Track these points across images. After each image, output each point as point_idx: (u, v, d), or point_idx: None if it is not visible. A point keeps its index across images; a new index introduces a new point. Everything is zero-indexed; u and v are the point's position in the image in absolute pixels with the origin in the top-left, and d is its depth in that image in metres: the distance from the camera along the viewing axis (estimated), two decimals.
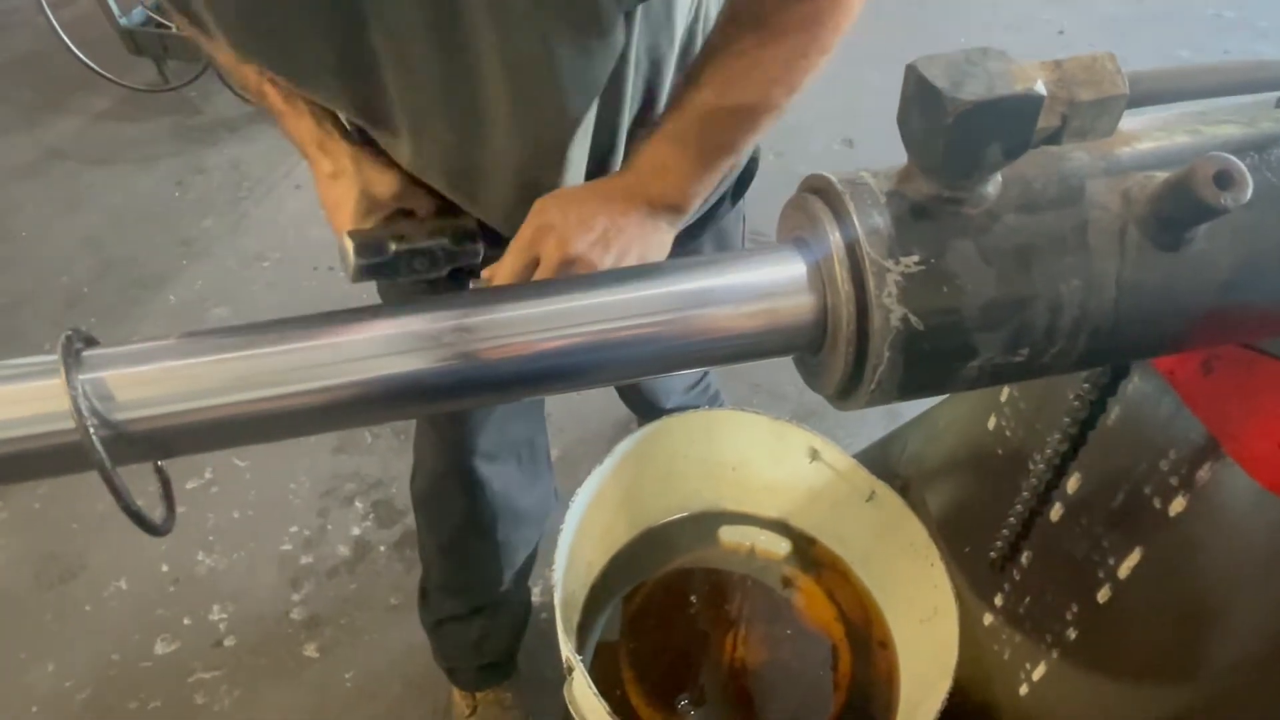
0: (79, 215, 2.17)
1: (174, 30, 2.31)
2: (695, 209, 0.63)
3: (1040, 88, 0.27)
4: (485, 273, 0.55)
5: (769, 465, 0.95)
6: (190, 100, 2.49)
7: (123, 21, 2.33)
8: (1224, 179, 0.27)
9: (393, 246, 0.61)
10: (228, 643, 1.37)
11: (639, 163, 0.61)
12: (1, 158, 2.35)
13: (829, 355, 0.33)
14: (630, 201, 0.60)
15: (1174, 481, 0.50)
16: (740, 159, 0.64)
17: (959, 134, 0.27)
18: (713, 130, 0.59)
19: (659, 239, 0.61)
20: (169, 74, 2.47)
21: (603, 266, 0.56)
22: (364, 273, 0.61)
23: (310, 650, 1.36)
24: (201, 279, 1.97)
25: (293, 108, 0.65)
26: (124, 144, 2.39)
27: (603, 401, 1.67)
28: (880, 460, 0.92)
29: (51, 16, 2.25)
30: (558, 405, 1.68)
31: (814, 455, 0.92)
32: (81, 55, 2.33)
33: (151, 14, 2.40)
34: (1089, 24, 2.75)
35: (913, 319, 0.30)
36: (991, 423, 0.71)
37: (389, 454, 1.63)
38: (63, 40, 2.28)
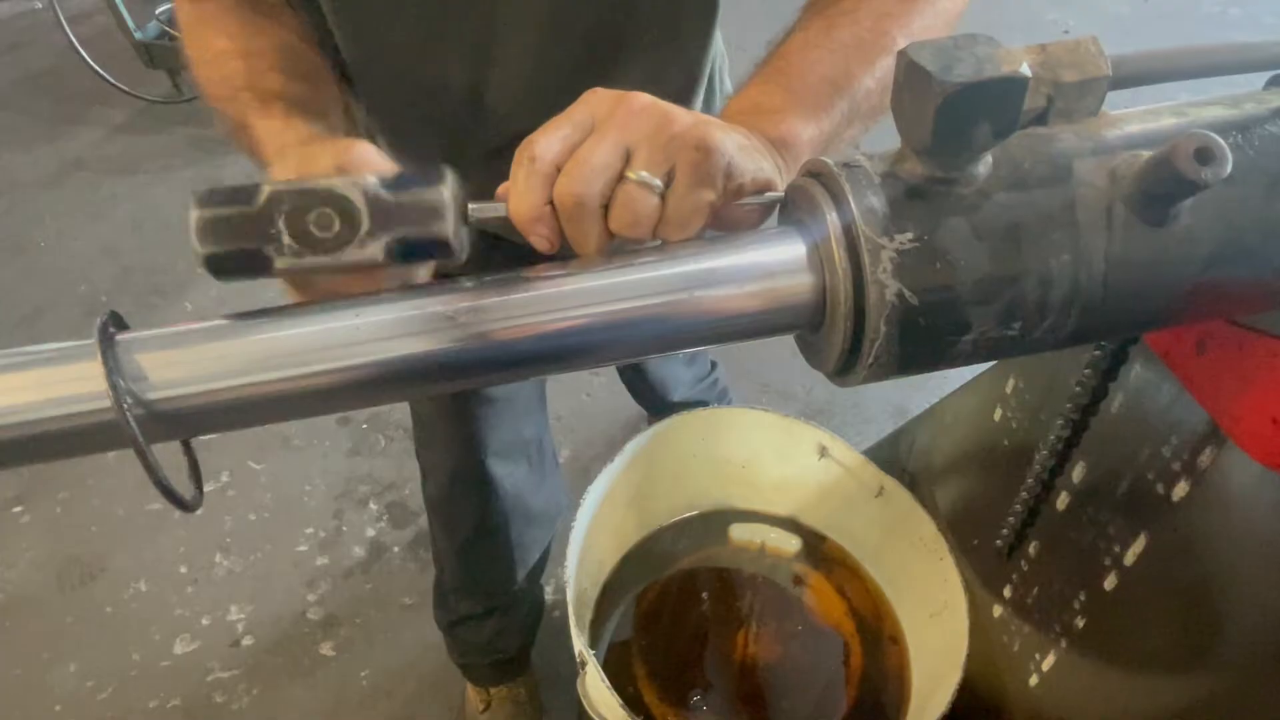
0: (98, 225, 2.21)
1: None
2: (818, 152, 0.47)
3: (1026, 69, 0.28)
4: (499, 191, 0.39)
5: (778, 463, 0.96)
6: (205, 112, 2.51)
7: (138, 35, 2.38)
8: (1204, 155, 0.28)
9: None
10: (245, 642, 1.39)
11: (728, 109, 0.49)
12: (22, 170, 2.40)
13: (829, 332, 0.34)
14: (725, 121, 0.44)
15: (1176, 466, 0.50)
16: (869, 103, 0.49)
17: (948, 115, 0.28)
18: (809, 68, 0.49)
19: (759, 154, 0.42)
20: (184, 86, 2.52)
21: (680, 114, 0.38)
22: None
23: (326, 649, 1.38)
24: (217, 286, 1.98)
25: (265, 110, 0.54)
26: (141, 155, 2.43)
27: (611, 402, 1.68)
28: (888, 456, 0.93)
29: (69, 32, 2.30)
30: (566, 406, 1.69)
31: (823, 452, 0.93)
32: (99, 69, 2.37)
33: (166, 28, 2.44)
34: (1094, 23, 2.76)
35: (907, 294, 0.31)
36: (997, 415, 0.72)
37: (403, 456, 1.65)
38: (80, 55, 2.33)
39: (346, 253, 0.33)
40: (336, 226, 0.33)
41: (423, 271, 0.41)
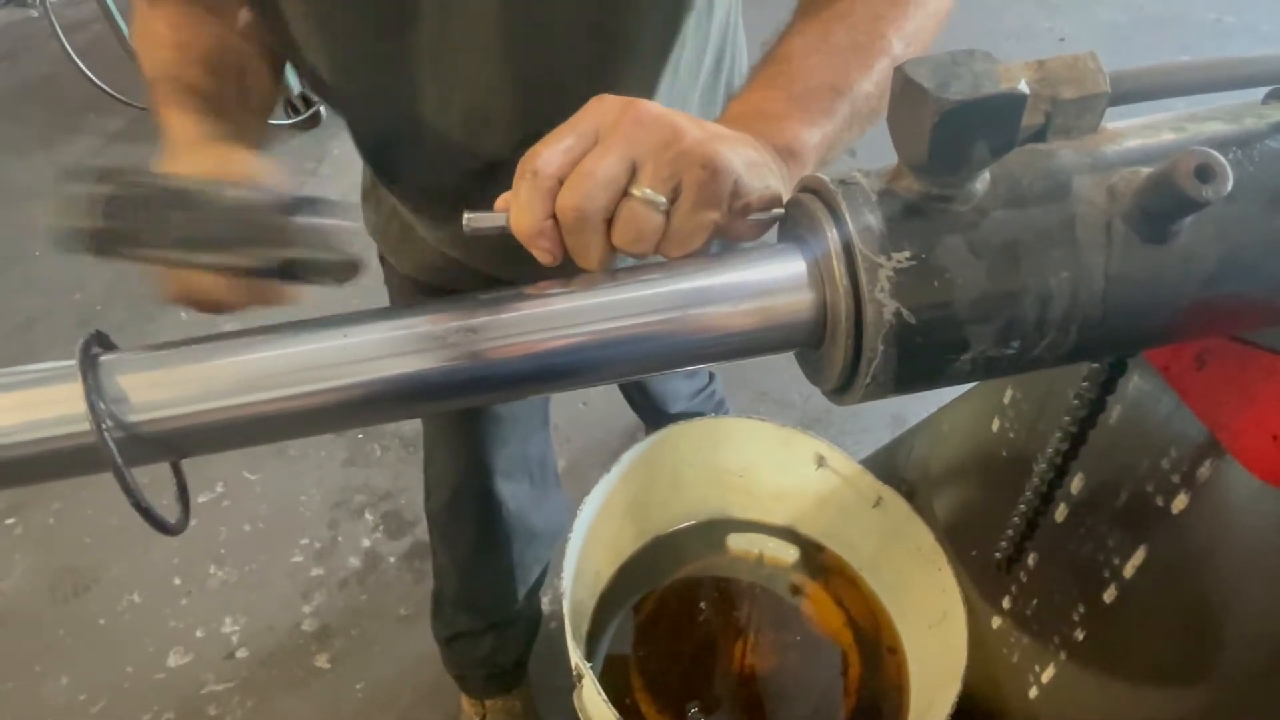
0: None
1: None
2: (822, 158, 0.48)
3: (1024, 86, 0.28)
4: (499, 202, 0.38)
5: (776, 472, 0.96)
6: None
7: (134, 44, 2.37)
8: (1204, 172, 0.27)
9: None
10: (240, 654, 1.38)
11: (730, 112, 0.48)
12: (17, 178, 2.39)
13: (829, 349, 0.34)
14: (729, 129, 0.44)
15: (1175, 479, 0.50)
16: (868, 106, 0.50)
17: (946, 132, 0.28)
18: (810, 72, 0.49)
19: (766, 170, 0.42)
20: None
21: (688, 127, 0.37)
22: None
23: (321, 661, 1.37)
24: None
25: (179, 102, 0.56)
26: (137, 163, 2.41)
27: (608, 411, 1.68)
28: (886, 465, 0.93)
29: (65, 41, 2.29)
30: (563, 416, 1.68)
31: (820, 462, 0.92)
32: (94, 78, 2.37)
33: None
34: (1089, 31, 2.76)
35: (905, 313, 0.30)
36: (995, 425, 0.72)
37: (399, 465, 1.64)
38: (76, 64, 2.32)
39: (196, 255, 0.35)
40: (172, 222, 0.35)
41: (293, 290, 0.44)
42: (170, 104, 0.54)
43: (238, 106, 0.57)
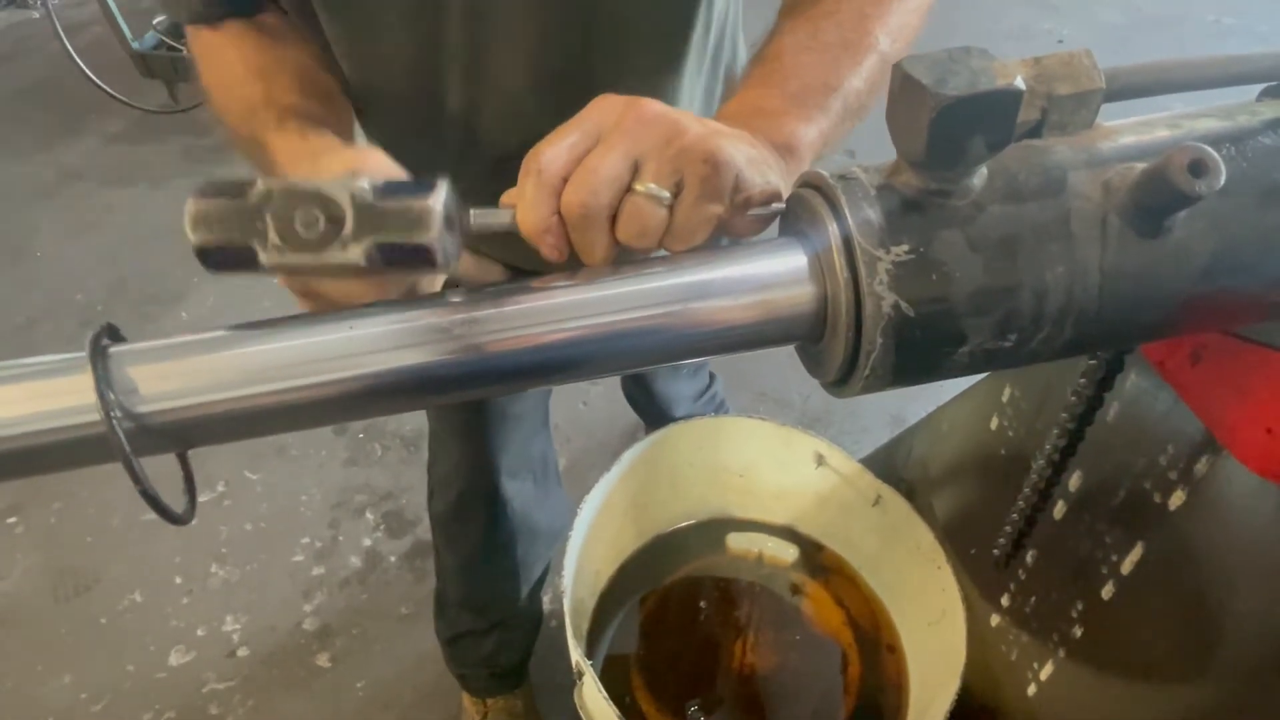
0: (94, 235, 2.21)
1: (184, 54, 2.35)
2: (818, 153, 0.49)
3: (1020, 83, 0.28)
4: (505, 199, 0.39)
5: (775, 471, 0.96)
6: (201, 122, 2.54)
7: (135, 46, 2.38)
8: (1198, 167, 0.28)
9: None
10: (241, 653, 1.38)
11: (726, 110, 0.49)
12: (19, 179, 2.40)
13: (829, 342, 0.35)
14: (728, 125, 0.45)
15: (1173, 476, 0.50)
16: (858, 102, 0.51)
17: (943, 127, 0.28)
18: (803, 70, 0.50)
19: (766, 165, 0.43)
20: (180, 96, 2.51)
21: (689, 124, 0.38)
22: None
23: (322, 660, 1.37)
24: (213, 296, 2.00)
25: (282, 126, 0.55)
26: (137, 165, 2.43)
27: (608, 411, 1.68)
28: (885, 464, 0.93)
29: (66, 42, 2.30)
30: (563, 416, 1.69)
31: (820, 461, 0.92)
32: (95, 79, 2.37)
33: (163, 38, 2.44)
34: (1088, 32, 2.77)
35: (903, 306, 0.31)
36: (994, 423, 0.72)
37: (399, 465, 1.64)
38: (77, 65, 2.33)
39: (329, 253, 0.33)
40: (321, 226, 0.32)
41: (428, 281, 0.41)
42: (273, 132, 0.52)
43: (337, 124, 0.56)
